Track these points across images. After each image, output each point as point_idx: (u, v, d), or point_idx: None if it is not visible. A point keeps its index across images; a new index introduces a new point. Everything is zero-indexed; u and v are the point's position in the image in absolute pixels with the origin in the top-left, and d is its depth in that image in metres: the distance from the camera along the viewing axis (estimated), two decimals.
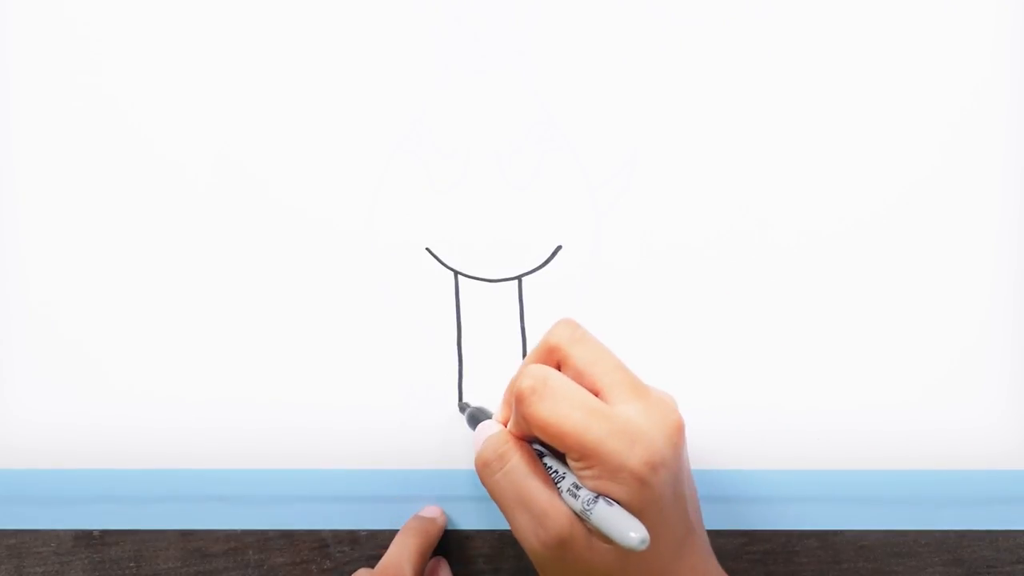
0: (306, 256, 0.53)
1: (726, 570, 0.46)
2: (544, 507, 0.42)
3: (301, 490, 0.52)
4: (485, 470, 0.44)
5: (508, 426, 0.44)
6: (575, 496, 0.41)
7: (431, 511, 0.51)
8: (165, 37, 0.53)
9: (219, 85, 0.53)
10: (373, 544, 0.52)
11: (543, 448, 0.44)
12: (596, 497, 0.41)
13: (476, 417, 0.48)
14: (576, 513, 0.41)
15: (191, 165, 0.53)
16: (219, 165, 0.53)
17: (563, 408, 0.41)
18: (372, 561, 0.52)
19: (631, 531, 0.39)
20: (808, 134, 0.52)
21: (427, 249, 0.53)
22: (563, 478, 0.42)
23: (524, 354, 0.52)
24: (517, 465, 0.43)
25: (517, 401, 0.42)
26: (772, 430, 0.52)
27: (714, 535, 0.52)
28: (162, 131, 0.53)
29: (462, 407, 0.52)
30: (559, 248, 0.53)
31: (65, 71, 0.53)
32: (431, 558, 0.51)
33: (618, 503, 0.41)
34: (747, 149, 0.52)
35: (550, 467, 0.43)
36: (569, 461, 0.42)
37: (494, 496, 0.44)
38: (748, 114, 0.52)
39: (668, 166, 0.52)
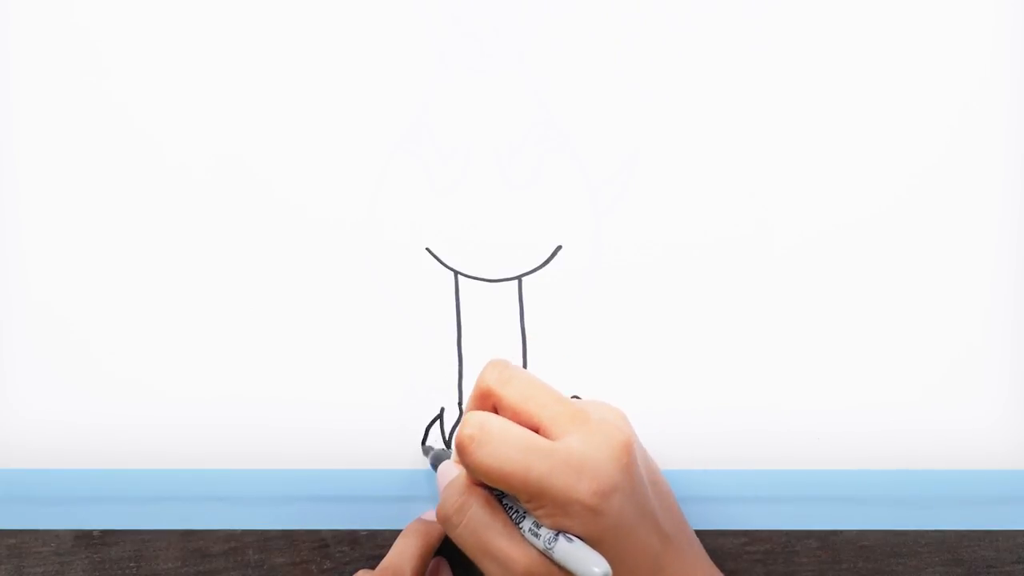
0: (306, 256, 0.53)
1: (726, 570, 0.46)
2: (507, 553, 0.42)
3: (301, 490, 0.52)
4: (447, 524, 0.44)
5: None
6: (536, 535, 0.42)
7: (433, 514, 0.51)
8: (167, 37, 0.53)
9: (220, 85, 0.53)
10: (373, 544, 0.52)
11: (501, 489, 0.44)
12: (556, 535, 0.41)
13: (439, 458, 0.49)
14: (540, 551, 0.42)
15: (193, 164, 0.53)
16: (221, 165, 0.53)
17: (502, 451, 0.41)
18: (372, 561, 0.52)
19: (593, 565, 0.40)
20: (808, 134, 0.52)
21: (427, 249, 0.53)
22: (524, 517, 0.42)
23: (524, 354, 0.52)
24: (476, 514, 0.43)
25: (459, 452, 0.42)
26: (772, 430, 0.52)
27: (714, 535, 0.52)
28: (164, 131, 0.53)
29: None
30: (559, 248, 0.53)
31: (69, 71, 0.53)
32: (432, 558, 0.51)
33: (577, 537, 0.41)
34: (747, 149, 0.52)
35: (510, 507, 0.43)
36: (522, 502, 0.42)
37: (461, 547, 0.44)
38: (748, 114, 0.52)
39: (668, 166, 0.52)
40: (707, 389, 0.52)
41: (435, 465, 0.49)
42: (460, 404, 0.52)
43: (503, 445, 0.41)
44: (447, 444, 0.51)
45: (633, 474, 0.42)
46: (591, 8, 0.52)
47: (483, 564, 0.43)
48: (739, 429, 0.52)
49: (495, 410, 0.44)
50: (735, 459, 0.52)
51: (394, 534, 0.50)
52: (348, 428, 0.52)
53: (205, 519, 0.52)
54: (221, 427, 0.52)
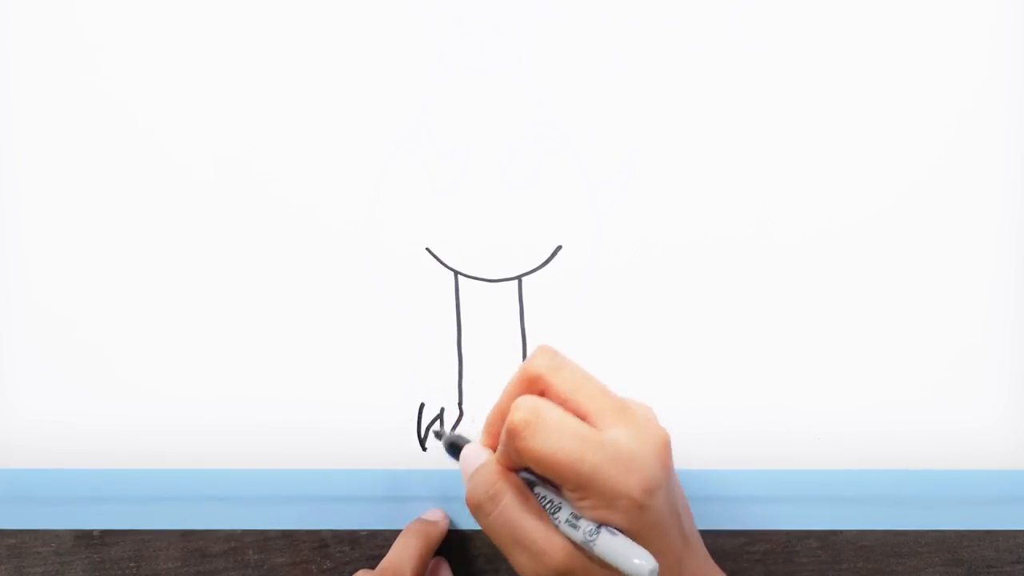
0: (306, 256, 0.53)
1: (726, 570, 0.46)
2: (541, 544, 0.42)
3: (301, 490, 0.52)
4: (479, 512, 0.43)
5: (496, 456, 0.44)
6: (575, 527, 0.41)
7: (434, 514, 0.51)
8: (167, 37, 0.53)
9: (221, 85, 0.53)
10: (373, 544, 0.52)
11: (533, 476, 0.43)
12: (598, 527, 0.41)
13: (456, 444, 0.47)
14: (576, 543, 0.41)
15: (193, 164, 0.53)
16: (221, 164, 0.53)
17: (557, 440, 0.41)
18: (372, 561, 0.52)
19: (636, 559, 0.39)
20: (808, 135, 0.52)
21: (427, 249, 0.53)
22: (559, 508, 0.42)
23: (524, 354, 0.52)
24: (510, 504, 0.42)
25: (510, 436, 0.42)
26: (772, 430, 0.52)
27: (714, 535, 0.52)
28: (165, 131, 0.53)
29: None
30: (559, 248, 0.53)
31: (69, 71, 0.53)
32: (432, 558, 0.51)
33: (620, 531, 0.40)
34: (747, 149, 0.52)
35: (544, 497, 0.43)
36: (565, 492, 0.42)
37: (490, 536, 0.43)
38: (748, 115, 0.52)
39: (668, 166, 0.52)
40: (707, 389, 0.52)
41: (451, 449, 0.48)
42: (460, 404, 0.52)
43: (557, 433, 0.41)
44: (447, 446, 0.51)
45: (671, 472, 0.42)
46: (591, 8, 0.52)
47: (513, 554, 0.42)
48: (739, 429, 0.52)
49: (540, 395, 0.43)
50: (735, 459, 0.52)
51: (394, 534, 0.50)
52: (348, 428, 0.52)
53: (205, 519, 0.52)
54: (221, 427, 0.52)
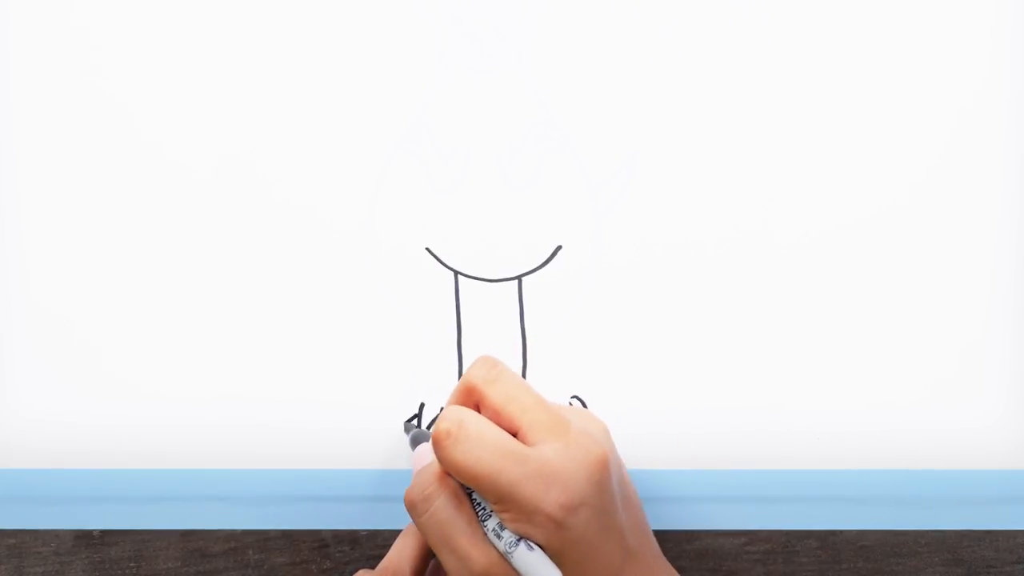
0: (306, 256, 0.53)
1: (725, 570, 0.46)
2: (467, 549, 0.42)
3: (301, 490, 0.52)
4: (412, 511, 0.44)
5: None
6: (499, 536, 0.42)
7: None
8: (167, 37, 0.53)
9: (221, 86, 0.53)
10: (373, 544, 0.52)
11: None
12: (518, 540, 0.41)
13: (418, 439, 0.49)
14: (500, 553, 0.42)
15: (192, 164, 0.53)
16: (220, 165, 0.53)
17: (477, 451, 0.41)
18: (372, 561, 0.52)
19: None
20: (808, 134, 0.52)
21: (427, 249, 0.53)
22: (489, 516, 0.42)
23: (524, 354, 0.52)
24: (441, 507, 0.43)
25: (434, 444, 0.42)
26: (772, 430, 0.52)
27: (714, 535, 0.52)
28: (165, 130, 0.53)
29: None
30: (559, 248, 0.53)
31: (69, 71, 0.53)
32: (432, 558, 0.51)
33: (538, 546, 0.41)
34: (747, 149, 0.52)
35: (477, 503, 0.43)
36: (488, 504, 0.42)
37: (423, 535, 0.44)
38: (748, 115, 0.52)
39: (668, 166, 0.52)
40: (707, 389, 0.52)
41: (413, 444, 0.49)
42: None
43: (478, 446, 0.41)
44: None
45: (604, 490, 0.42)
46: (591, 8, 0.52)
47: (442, 556, 0.43)
48: (739, 429, 0.52)
49: (477, 407, 0.44)
50: (735, 459, 0.52)
51: (394, 534, 0.50)
52: (348, 428, 0.52)
53: (205, 519, 0.52)
54: (221, 427, 0.52)
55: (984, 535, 0.52)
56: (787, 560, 0.52)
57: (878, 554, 0.52)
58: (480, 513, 0.43)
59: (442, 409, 0.52)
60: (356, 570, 0.50)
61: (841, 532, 0.52)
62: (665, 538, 0.50)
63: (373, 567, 0.50)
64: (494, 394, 0.43)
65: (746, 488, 0.52)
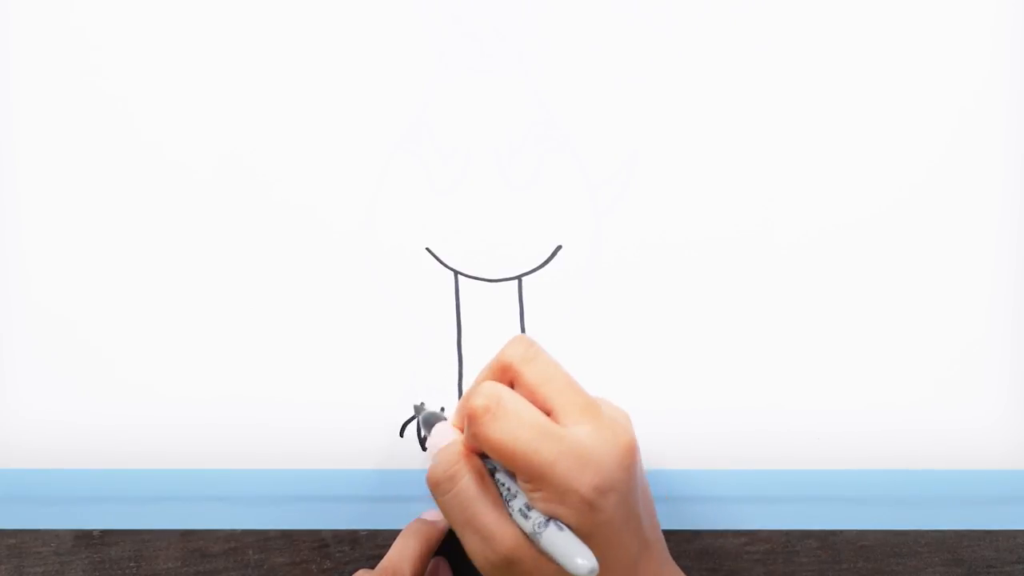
0: (306, 256, 0.53)
1: (726, 570, 0.46)
2: (491, 529, 0.42)
3: (301, 490, 0.52)
4: (436, 490, 0.44)
5: (464, 438, 0.44)
6: (526, 517, 0.41)
7: (434, 514, 0.51)
8: (167, 37, 0.53)
9: (221, 86, 0.53)
10: (373, 544, 0.52)
11: (496, 463, 0.43)
12: (547, 520, 0.41)
13: (430, 421, 0.48)
14: (525, 534, 0.41)
15: (192, 164, 0.53)
16: (220, 165, 0.53)
17: (514, 429, 0.41)
18: (372, 561, 0.52)
19: (578, 558, 0.40)
20: (808, 134, 0.52)
21: (427, 249, 0.53)
22: (514, 496, 0.42)
23: None
24: (466, 486, 0.43)
25: (469, 420, 0.42)
26: (772, 430, 0.52)
27: (714, 535, 0.52)
28: (165, 131, 0.53)
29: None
30: (559, 248, 0.53)
31: (69, 72, 0.53)
32: (432, 558, 0.51)
33: (568, 527, 0.41)
34: (747, 149, 0.52)
35: (502, 483, 0.43)
36: (519, 482, 0.42)
37: (446, 515, 0.44)
38: (748, 115, 0.52)
39: (668, 166, 0.52)
40: (707, 389, 0.52)
41: (427, 426, 0.49)
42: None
43: (516, 423, 0.41)
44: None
45: (632, 476, 0.42)
46: (591, 8, 0.52)
47: (465, 536, 0.43)
48: (739, 429, 0.52)
49: (511, 385, 0.44)
50: (735, 459, 0.52)
51: (394, 534, 0.50)
52: (348, 428, 0.52)
53: (205, 519, 0.52)
54: (221, 427, 0.52)
55: (984, 535, 0.52)
56: (787, 560, 0.52)
57: (878, 554, 0.52)
58: (504, 494, 0.43)
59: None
60: (356, 570, 0.50)
61: (841, 532, 0.52)
62: (666, 538, 0.50)
63: (373, 567, 0.50)
64: (530, 373, 0.43)
65: (746, 488, 0.52)
